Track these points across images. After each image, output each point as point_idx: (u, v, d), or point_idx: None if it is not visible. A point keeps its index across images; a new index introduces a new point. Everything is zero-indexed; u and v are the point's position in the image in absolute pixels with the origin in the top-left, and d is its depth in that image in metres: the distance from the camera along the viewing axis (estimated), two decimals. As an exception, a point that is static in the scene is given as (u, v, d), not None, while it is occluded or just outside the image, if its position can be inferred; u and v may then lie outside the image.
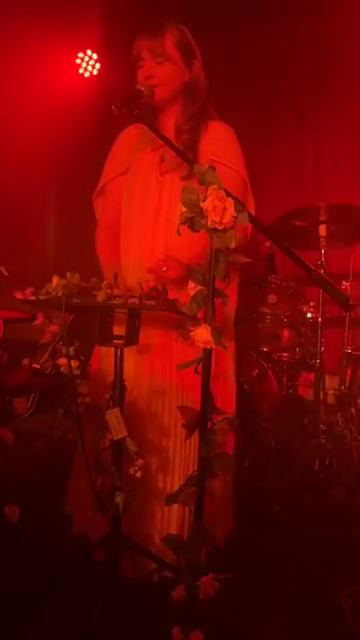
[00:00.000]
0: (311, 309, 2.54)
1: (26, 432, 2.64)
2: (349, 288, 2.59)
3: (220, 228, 1.03)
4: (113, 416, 1.28)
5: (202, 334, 1.09)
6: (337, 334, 2.94)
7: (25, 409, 2.82)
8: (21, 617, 1.34)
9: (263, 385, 2.54)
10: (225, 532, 1.61)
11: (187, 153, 1.44)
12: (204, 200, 1.02)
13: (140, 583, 1.38)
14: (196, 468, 1.13)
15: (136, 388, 1.50)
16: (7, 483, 1.92)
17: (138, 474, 1.32)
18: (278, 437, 2.38)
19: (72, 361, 1.28)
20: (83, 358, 1.37)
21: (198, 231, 1.08)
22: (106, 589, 1.24)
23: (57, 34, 3.55)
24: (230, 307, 1.61)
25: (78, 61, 3.78)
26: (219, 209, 1.00)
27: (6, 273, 2.93)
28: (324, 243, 2.31)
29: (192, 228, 1.08)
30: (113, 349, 1.31)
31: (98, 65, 3.79)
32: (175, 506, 1.35)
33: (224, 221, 1.02)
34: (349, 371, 2.88)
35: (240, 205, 1.01)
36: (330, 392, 2.80)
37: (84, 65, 3.80)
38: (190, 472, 1.25)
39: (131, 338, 1.30)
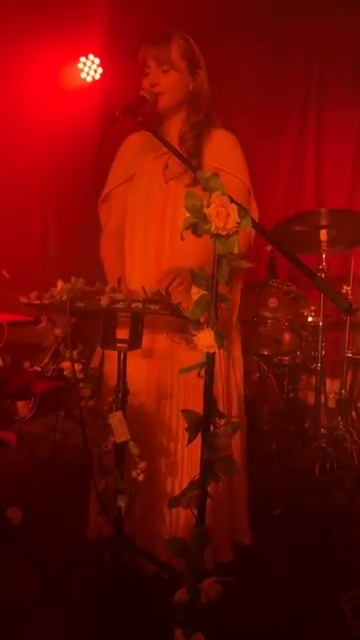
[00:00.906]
0: (312, 313, 2.55)
1: (27, 435, 2.64)
2: (350, 292, 2.60)
3: (223, 234, 1.04)
4: (116, 419, 1.29)
5: (205, 338, 1.09)
6: (338, 338, 2.95)
7: (28, 412, 2.83)
8: (22, 618, 1.35)
9: (264, 389, 2.55)
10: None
11: (191, 160, 1.46)
12: (208, 206, 1.03)
13: (146, 582, 1.39)
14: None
15: (143, 392, 1.51)
16: (9, 486, 1.92)
17: (141, 477, 1.33)
18: (279, 441, 2.39)
19: (76, 364, 1.29)
20: (84, 361, 1.38)
21: (201, 236, 1.09)
22: (108, 590, 1.24)
23: (59, 38, 3.58)
24: (232, 312, 1.63)
25: (80, 65, 3.80)
26: (223, 215, 1.01)
27: (7, 276, 2.94)
28: (325, 248, 2.32)
29: (195, 233, 1.09)
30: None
31: (100, 70, 3.81)
32: (183, 509, 1.36)
33: (227, 227, 1.03)
34: (350, 375, 2.90)
35: (243, 211, 1.02)
36: (331, 396, 2.81)
37: (86, 70, 3.82)
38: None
39: (134, 342, 1.31)
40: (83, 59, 3.79)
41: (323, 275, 2.31)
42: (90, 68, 3.82)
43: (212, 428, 1.13)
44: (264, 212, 1.64)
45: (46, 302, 1.24)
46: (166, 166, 1.56)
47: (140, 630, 1.30)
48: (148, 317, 1.33)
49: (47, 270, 3.74)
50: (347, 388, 2.81)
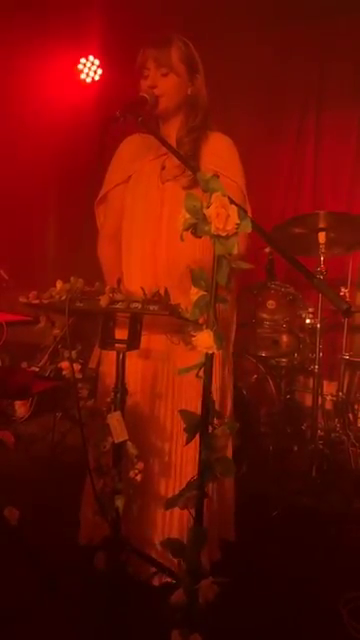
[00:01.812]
0: (310, 315, 2.56)
1: (24, 435, 2.64)
2: (347, 295, 2.61)
3: (223, 235, 1.05)
4: (115, 419, 1.29)
5: (204, 339, 1.10)
6: (335, 340, 2.96)
7: (26, 412, 2.82)
8: (20, 619, 1.34)
9: (261, 390, 2.55)
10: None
11: (190, 162, 1.46)
12: (208, 207, 1.04)
13: (143, 583, 1.39)
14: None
15: (139, 392, 1.51)
16: (6, 486, 1.92)
17: (138, 477, 1.33)
18: (276, 442, 2.39)
19: (74, 365, 1.29)
20: (82, 361, 1.38)
21: (200, 237, 1.10)
22: (105, 592, 1.24)
23: (59, 40, 3.58)
24: (230, 313, 1.63)
25: (80, 67, 3.81)
26: (223, 216, 1.02)
27: (6, 276, 2.94)
28: (323, 250, 2.33)
29: (195, 234, 1.10)
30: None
31: (100, 71, 3.82)
32: (177, 510, 1.36)
33: (227, 228, 1.03)
34: (347, 377, 2.90)
35: (243, 212, 1.03)
36: (328, 398, 2.82)
37: (86, 71, 3.83)
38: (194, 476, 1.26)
39: (133, 342, 1.31)
40: (83, 60, 3.80)
41: (321, 277, 2.31)
42: (90, 69, 3.83)
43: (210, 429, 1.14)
44: (263, 214, 1.65)
45: (45, 302, 1.24)
46: (163, 167, 1.56)
47: (137, 631, 1.29)
48: (146, 317, 1.33)
49: (46, 270, 3.74)
50: (344, 390, 2.81)
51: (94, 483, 1.30)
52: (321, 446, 2.35)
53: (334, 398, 2.78)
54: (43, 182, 3.77)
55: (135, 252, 1.58)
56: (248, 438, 2.28)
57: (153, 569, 1.40)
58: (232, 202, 1.05)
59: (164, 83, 1.49)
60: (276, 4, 3.07)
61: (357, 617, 1.41)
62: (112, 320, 1.33)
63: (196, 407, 1.16)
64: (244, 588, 1.45)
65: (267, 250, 2.67)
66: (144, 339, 1.46)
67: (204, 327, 1.11)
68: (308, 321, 2.56)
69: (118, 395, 1.33)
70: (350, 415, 2.76)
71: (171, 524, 1.48)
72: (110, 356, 1.38)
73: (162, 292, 1.22)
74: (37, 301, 1.24)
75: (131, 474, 1.32)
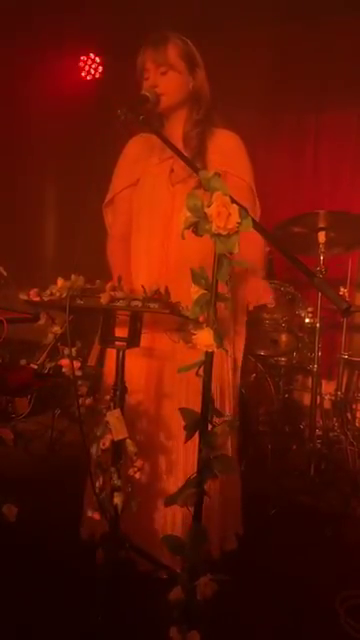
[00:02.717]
0: (309, 314, 2.56)
1: (23, 433, 2.64)
2: (347, 294, 2.62)
3: (224, 233, 1.05)
4: (114, 417, 1.30)
5: (204, 337, 1.10)
6: (334, 339, 2.97)
7: (25, 409, 2.82)
8: (18, 615, 1.35)
9: (260, 389, 2.56)
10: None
11: (196, 160, 1.46)
12: (209, 206, 1.04)
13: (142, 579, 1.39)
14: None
15: (143, 391, 1.51)
16: (4, 483, 1.92)
17: (137, 475, 1.33)
18: (275, 441, 2.40)
19: (74, 362, 1.29)
20: (81, 359, 1.38)
21: (202, 236, 1.10)
22: (104, 588, 1.25)
23: (60, 37, 3.58)
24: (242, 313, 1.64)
25: (81, 64, 3.81)
26: (224, 215, 1.02)
27: (5, 273, 2.93)
28: (323, 249, 2.33)
29: (196, 233, 1.10)
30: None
31: (101, 68, 3.82)
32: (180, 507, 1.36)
33: (228, 227, 1.04)
34: (345, 376, 2.91)
35: (244, 211, 1.03)
36: (326, 397, 2.82)
37: (87, 68, 3.82)
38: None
39: (133, 340, 1.32)
40: (84, 58, 3.79)
41: (321, 277, 2.32)
42: (91, 67, 3.82)
43: (209, 426, 1.14)
44: (263, 213, 1.65)
45: (45, 299, 1.24)
46: (172, 170, 1.56)
47: (135, 628, 1.30)
48: (149, 316, 1.33)
49: (46, 267, 3.74)
50: (343, 389, 2.82)
51: (93, 480, 1.30)
52: (319, 445, 2.35)
53: (332, 397, 2.79)
54: (43, 177, 3.77)
55: (144, 254, 1.58)
56: (247, 437, 2.28)
57: (152, 566, 1.41)
58: (234, 201, 1.05)
59: (164, 81, 1.49)
60: (275, 4, 3.07)
61: (354, 615, 1.41)
62: (112, 318, 1.33)
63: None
64: (242, 585, 1.45)
65: (267, 249, 2.67)
66: (149, 338, 1.47)
67: (204, 325, 1.11)
68: (307, 320, 2.56)
69: (118, 393, 1.33)
70: (348, 414, 2.77)
71: (174, 521, 1.48)
72: (113, 354, 1.37)
73: (162, 290, 1.22)
74: (38, 298, 1.24)
75: (130, 472, 1.33)
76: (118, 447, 1.31)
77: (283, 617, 1.44)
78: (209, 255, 1.47)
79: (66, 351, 1.28)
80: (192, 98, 1.54)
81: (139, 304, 1.20)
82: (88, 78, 3.83)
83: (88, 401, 1.41)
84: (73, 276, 1.23)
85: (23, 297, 1.24)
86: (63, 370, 1.31)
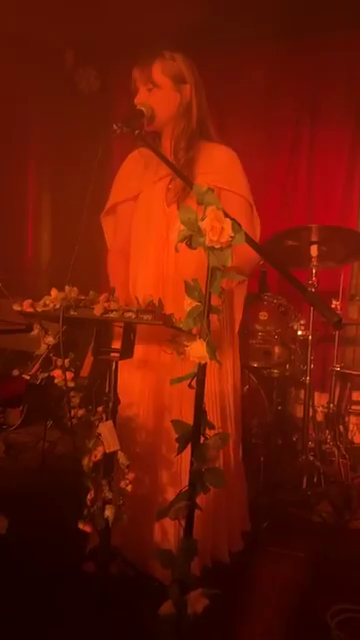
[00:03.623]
0: (301, 327, 2.58)
1: (15, 444, 2.62)
2: (339, 307, 2.64)
3: (217, 247, 1.06)
4: (106, 428, 1.29)
5: (197, 349, 1.11)
6: (327, 352, 2.99)
7: (18, 420, 2.81)
8: (7, 629, 1.33)
9: (253, 401, 2.56)
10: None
11: (184, 171, 1.48)
12: (202, 219, 1.05)
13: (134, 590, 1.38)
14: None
15: (135, 404, 1.51)
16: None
17: (129, 488, 1.32)
18: (267, 453, 2.40)
19: (67, 373, 1.29)
20: (73, 370, 1.38)
21: (195, 248, 1.11)
22: (94, 601, 1.23)
23: (60, 51, 3.62)
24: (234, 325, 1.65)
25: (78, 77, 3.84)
26: (217, 229, 1.03)
27: (-1, 284, 2.93)
28: (315, 263, 2.36)
29: (190, 246, 1.11)
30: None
31: (97, 82, 3.86)
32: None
33: (221, 240, 1.05)
34: (338, 389, 2.92)
35: (237, 226, 1.04)
36: (319, 409, 2.83)
37: (83, 81, 3.86)
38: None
39: (126, 351, 1.32)
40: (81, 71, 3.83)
41: (313, 289, 2.34)
42: (88, 80, 3.86)
43: (202, 439, 1.14)
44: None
45: (39, 310, 1.24)
46: (168, 189, 1.58)
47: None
48: (144, 328, 1.34)
49: (40, 277, 3.74)
50: (335, 402, 2.83)
51: (84, 493, 1.29)
52: (312, 458, 2.35)
53: (325, 410, 2.80)
54: (37, 188, 3.79)
55: (141, 273, 1.60)
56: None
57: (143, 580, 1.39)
58: (227, 215, 1.07)
59: (151, 98, 1.53)
60: (270, 21, 3.13)
61: (345, 629, 1.41)
62: (106, 329, 1.33)
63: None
64: (233, 599, 1.44)
65: (260, 262, 2.70)
66: (143, 349, 1.47)
67: (197, 337, 1.12)
68: (300, 333, 2.58)
69: (110, 404, 1.33)
70: (341, 427, 2.78)
71: (168, 534, 1.47)
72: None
73: (156, 302, 1.23)
74: (31, 309, 1.24)
75: (122, 484, 1.32)
76: (110, 459, 1.31)
77: (274, 630, 1.43)
78: (204, 270, 1.49)
79: (59, 362, 1.28)
80: (180, 113, 1.57)
81: (132, 315, 1.21)
82: (85, 91, 3.87)
83: (80, 412, 1.40)
84: (67, 287, 1.23)
85: (17, 308, 1.24)
86: (55, 381, 1.30)
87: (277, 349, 2.61)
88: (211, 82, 1.69)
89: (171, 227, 1.54)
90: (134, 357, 1.33)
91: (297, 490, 2.22)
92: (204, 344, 1.10)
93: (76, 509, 1.56)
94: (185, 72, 1.57)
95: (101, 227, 1.77)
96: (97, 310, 1.21)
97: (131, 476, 1.32)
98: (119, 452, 1.31)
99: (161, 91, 1.54)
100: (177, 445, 1.48)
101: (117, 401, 1.35)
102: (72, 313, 1.23)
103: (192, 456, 1.13)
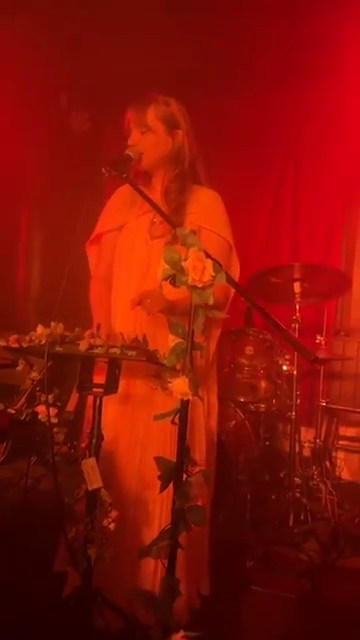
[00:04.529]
0: (286, 362, 2.61)
1: (-3, 480, 2.56)
2: (323, 342, 2.68)
3: (200, 286, 1.10)
4: (89, 466, 1.29)
5: (180, 385, 1.13)
6: (314, 386, 3.00)
7: (1, 456, 2.75)
8: None
9: (240, 436, 2.55)
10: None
11: (174, 215, 1.53)
12: (185, 259, 1.10)
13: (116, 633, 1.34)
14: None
15: (119, 438, 1.51)
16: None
17: (112, 526, 1.31)
18: (254, 490, 2.37)
19: (50, 409, 1.29)
20: (59, 405, 1.38)
21: (179, 287, 1.15)
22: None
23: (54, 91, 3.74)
24: (208, 359, 1.67)
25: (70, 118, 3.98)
26: (199, 269, 1.08)
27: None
28: (299, 299, 2.41)
29: (173, 284, 1.15)
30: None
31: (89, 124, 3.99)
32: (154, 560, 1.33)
33: (203, 279, 1.09)
34: (324, 424, 2.93)
35: (218, 266, 1.09)
36: (306, 445, 2.83)
37: (76, 123, 3.99)
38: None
39: (111, 387, 1.33)
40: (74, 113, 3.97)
41: (297, 325, 2.38)
42: (80, 122, 4.00)
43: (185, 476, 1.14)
44: (242, 262, 1.71)
45: (25, 346, 1.25)
46: (152, 222, 1.63)
47: None
48: (126, 363, 1.35)
49: (29, 313, 3.75)
50: (322, 437, 2.83)
51: (66, 531, 1.27)
52: (298, 494, 2.34)
53: (312, 445, 2.80)
54: (29, 224, 3.85)
55: (121, 305, 1.62)
56: (225, 486, 2.26)
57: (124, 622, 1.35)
58: (209, 256, 1.11)
59: (143, 141, 1.59)
60: (260, 63, 3.30)
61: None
62: (90, 364, 1.35)
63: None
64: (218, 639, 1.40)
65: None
66: (126, 384, 1.48)
67: (180, 373, 1.14)
68: (285, 367, 2.60)
69: (94, 441, 1.33)
70: (327, 463, 2.77)
71: (147, 574, 1.44)
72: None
73: (141, 338, 1.26)
74: (17, 345, 1.26)
75: (104, 522, 1.30)
76: (92, 497, 1.30)
77: None
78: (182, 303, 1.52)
79: (43, 397, 1.28)
80: (171, 157, 1.64)
81: (117, 351, 1.23)
82: (78, 133, 3.99)
83: (64, 448, 1.40)
84: (52, 323, 1.25)
85: (2, 343, 1.25)
86: (39, 417, 1.30)
87: (263, 383, 2.62)
88: (199, 124, 1.76)
89: (152, 261, 1.58)
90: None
91: (284, 528, 2.19)
92: (186, 380, 1.12)
93: (56, 548, 1.54)
94: (178, 117, 1.64)
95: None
96: (82, 346, 1.23)
97: (114, 514, 1.31)
98: (102, 490, 1.30)
99: (154, 135, 1.60)
100: (152, 482, 1.48)
101: (101, 437, 1.35)
102: (57, 349, 1.24)
103: (174, 494, 1.13)
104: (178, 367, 1.17)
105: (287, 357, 2.61)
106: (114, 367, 1.33)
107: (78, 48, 3.34)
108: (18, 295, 3.87)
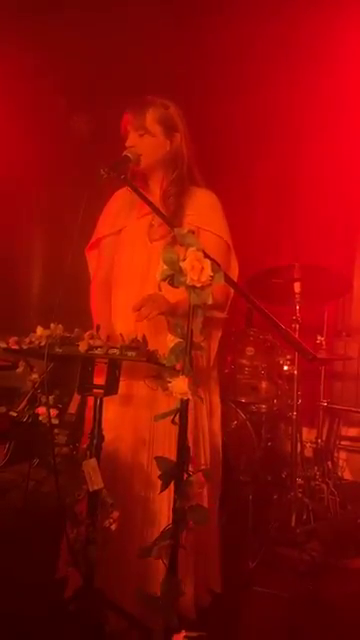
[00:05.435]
0: (287, 362, 2.60)
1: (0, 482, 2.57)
2: (324, 342, 2.67)
3: (198, 286, 1.11)
4: (90, 467, 1.29)
5: (179, 385, 1.13)
6: (315, 387, 3.00)
7: (1, 458, 2.76)
8: None
9: (241, 437, 2.55)
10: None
11: (173, 217, 1.54)
12: (184, 260, 1.10)
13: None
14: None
15: (121, 439, 1.51)
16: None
17: (113, 527, 1.31)
18: (256, 490, 2.37)
19: (51, 410, 1.30)
20: (61, 406, 1.39)
21: (177, 287, 1.15)
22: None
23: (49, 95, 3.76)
24: (210, 360, 1.67)
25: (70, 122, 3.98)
26: (197, 269, 1.08)
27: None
28: (299, 299, 2.41)
29: (172, 284, 1.15)
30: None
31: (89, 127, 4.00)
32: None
33: (202, 280, 1.10)
34: (326, 424, 2.92)
35: (216, 266, 1.09)
36: (308, 445, 2.82)
37: (76, 127, 4.00)
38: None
39: (110, 388, 1.33)
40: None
41: (297, 325, 2.38)
42: (80, 125, 4.01)
43: (185, 476, 1.15)
44: (242, 263, 1.71)
45: (25, 347, 1.26)
46: (151, 225, 1.64)
47: None
48: (127, 363, 1.36)
49: (27, 315, 3.76)
50: (323, 437, 2.83)
51: (68, 533, 1.27)
52: (300, 495, 2.33)
53: (313, 445, 2.79)
54: (30, 227, 3.86)
55: (121, 308, 1.63)
56: (227, 487, 2.25)
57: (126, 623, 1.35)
58: (207, 256, 1.11)
59: (141, 143, 1.60)
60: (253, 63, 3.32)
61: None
62: (90, 365, 1.35)
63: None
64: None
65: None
66: (127, 385, 1.48)
67: (179, 373, 1.14)
68: (286, 368, 2.60)
69: (94, 441, 1.33)
70: (329, 463, 2.76)
71: (149, 573, 1.44)
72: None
73: (140, 338, 1.26)
74: (17, 347, 1.26)
75: (106, 523, 1.31)
76: (94, 498, 1.30)
77: None
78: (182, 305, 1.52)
79: (43, 399, 1.29)
80: (169, 159, 1.64)
81: (117, 352, 1.23)
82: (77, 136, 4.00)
83: (65, 450, 1.40)
84: (52, 325, 1.26)
85: (2, 345, 1.26)
86: (40, 418, 1.31)
87: (264, 384, 2.62)
88: (199, 133, 1.76)
89: (152, 264, 1.58)
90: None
91: (286, 528, 2.19)
92: (186, 380, 1.12)
93: (58, 549, 1.54)
94: (176, 120, 1.65)
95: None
96: (82, 347, 1.23)
97: (115, 515, 1.31)
98: (103, 490, 1.30)
99: (152, 138, 1.61)
100: (156, 482, 1.48)
101: (101, 438, 1.35)
102: (57, 350, 1.25)
103: (175, 493, 1.13)
104: (178, 367, 1.17)
105: (288, 357, 2.61)
106: (114, 368, 1.34)
107: (78, 49, 3.36)
108: (18, 297, 3.88)
